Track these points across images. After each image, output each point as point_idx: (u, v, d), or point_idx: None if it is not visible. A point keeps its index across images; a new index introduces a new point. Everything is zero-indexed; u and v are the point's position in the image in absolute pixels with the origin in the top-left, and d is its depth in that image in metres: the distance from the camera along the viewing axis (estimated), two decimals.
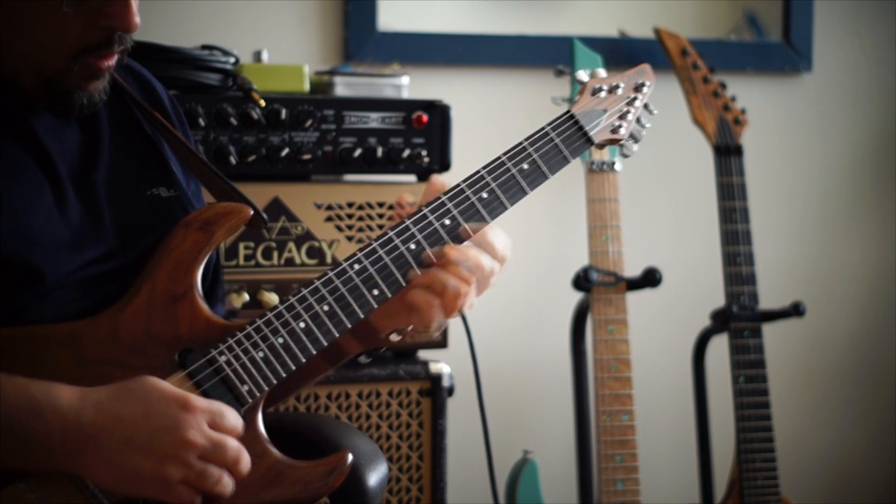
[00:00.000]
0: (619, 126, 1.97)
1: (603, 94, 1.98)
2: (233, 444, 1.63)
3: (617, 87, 1.99)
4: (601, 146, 1.97)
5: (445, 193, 1.85)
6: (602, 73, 2.01)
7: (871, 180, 3.73)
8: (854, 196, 3.73)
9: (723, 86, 3.32)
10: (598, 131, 1.95)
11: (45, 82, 1.70)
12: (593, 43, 3.28)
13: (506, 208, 1.88)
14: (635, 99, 2.00)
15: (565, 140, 1.92)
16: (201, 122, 2.61)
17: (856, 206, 3.73)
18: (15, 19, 1.66)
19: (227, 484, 1.63)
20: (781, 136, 3.65)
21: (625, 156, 1.99)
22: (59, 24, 1.66)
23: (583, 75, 2.00)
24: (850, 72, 3.69)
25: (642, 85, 2.01)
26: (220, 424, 1.63)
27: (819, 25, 3.61)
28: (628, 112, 1.99)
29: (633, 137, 2.00)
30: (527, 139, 1.91)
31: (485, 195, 1.87)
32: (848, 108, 3.70)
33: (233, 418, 1.65)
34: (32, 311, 1.68)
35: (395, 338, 1.89)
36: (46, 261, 1.68)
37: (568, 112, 1.94)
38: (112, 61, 1.71)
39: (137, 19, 1.68)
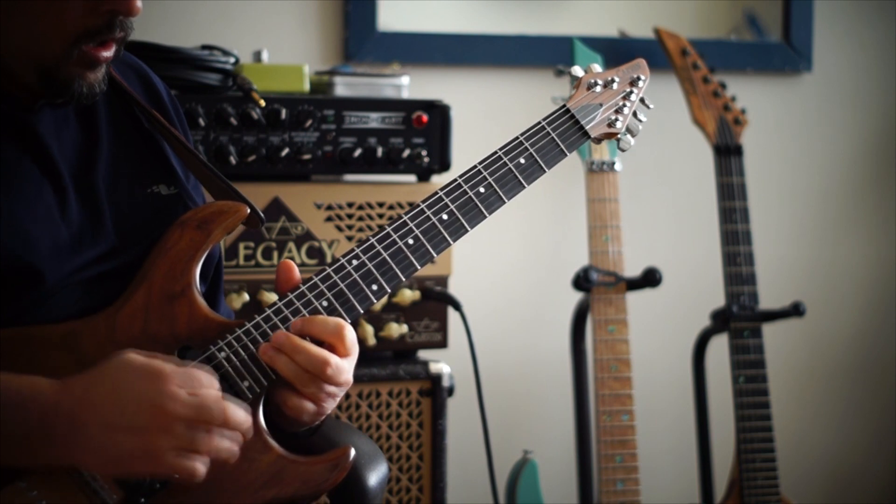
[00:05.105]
0: (616, 120, 1.98)
1: (598, 88, 1.98)
2: (213, 401, 1.59)
3: (612, 81, 2.00)
4: (598, 140, 1.98)
5: (442, 189, 1.85)
6: (597, 67, 2.02)
7: (871, 180, 3.73)
8: (854, 196, 3.73)
9: (723, 86, 3.32)
10: (594, 125, 1.96)
11: (44, 72, 1.69)
12: (593, 43, 3.29)
13: (503, 202, 1.88)
14: (631, 93, 2.00)
15: (561, 134, 1.93)
16: (201, 122, 2.62)
17: (856, 206, 3.73)
18: (14, 11, 1.66)
19: (226, 445, 1.61)
20: (781, 136, 3.65)
21: (622, 150, 2.00)
22: (60, 11, 1.65)
23: (578, 70, 2.01)
24: (850, 72, 3.69)
25: (638, 79, 2.02)
26: (195, 388, 1.60)
27: (819, 25, 3.62)
28: (624, 106, 1.99)
29: (630, 131, 2.00)
30: (522, 134, 1.91)
31: (482, 190, 1.87)
32: (848, 108, 3.70)
33: (206, 378, 1.62)
34: (34, 313, 1.68)
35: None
36: (46, 262, 1.68)
37: (563, 106, 1.95)
38: (110, 51, 1.71)
39: (139, 3, 1.68)
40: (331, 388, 1.74)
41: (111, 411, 1.57)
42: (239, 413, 1.62)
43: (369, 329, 2.74)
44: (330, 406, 1.77)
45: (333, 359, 1.72)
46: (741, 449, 3.22)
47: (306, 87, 2.79)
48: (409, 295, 2.78)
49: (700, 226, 3.51)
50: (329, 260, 2.71)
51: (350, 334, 1.75)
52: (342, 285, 1.79)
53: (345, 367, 1.75)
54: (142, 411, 1.57)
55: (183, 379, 1.60)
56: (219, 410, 1.60)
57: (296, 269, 1.79)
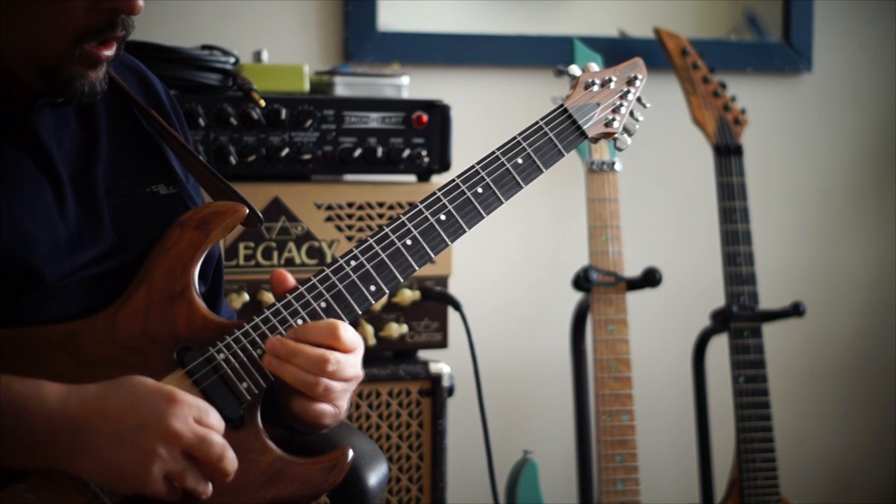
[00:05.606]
0: (613, 119, 1.98)
1: (595, 87, 1.98)
2: (218, 439, 1.62)
3: (609, 80, 2.00)
4: (595, 140, 1.98)
5: (440, 189, 1.86)
6: (595, 66, 2.02)
7: (871, 180, 3.73)
8: (854, 196, 3.73)
9: (723, 86, 3.32)
10: (591, 125, 1.96)
11: (44, 72, 1.69)
12: (593, 43, 3.29)
13: (501, 203, 1.88)
14: (628, 92, 2.01)
15: (559, 134, 1.93)
16: (201, 122, 2.62)
17: (856, 206, 3.73)
18: (14, 11, 1.66)
19: (203, 488, 1.63)
20: (781, 136, 3.65)
21: (618, 149, 2.00)
22: (61, 10, 1.65)
23: (575, 69, 2.01)
24: (850, 72, 3.69)
25: (635, 78, 2.02)
26: (205, 421, 1.62)
27: (819, 25, 3.62)
28: (621, 105, 2.00)
29: (627, 131, 2.00)
30: (520, 133, 1.92)
31: (479, 190, 1.87)
32: (848, 108, 3.70)
33: (216, 418, 1.64)
34: (34, 313, 1.68)
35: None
36: (45, 262, 1.68)
37: (561, 106, 1.95)
38: (111, 50, 1.71)
39: (141, 2, 1.68)
40: (339, 385, 1.74)
41: (121, 424, 1.59)
42: (234, 461, 1.64)
43: (369, 329, 2.74)
44: (345, 403, 1.78)
45: (332, 355, 1.72)
46: (741, 449, 3.22)
47: (306, 87, 2.79)
48: (409, 295, 2.78)
49: (700, 226, 3.51)
50: (329, 260, 2.71)
51: (346, 331, 1.74)
52: (340, 286, 1.79)
53: (349, 360, 1.74)
54: (150, 428, 1.59)
55: (195, 406, 1.62)
56: (219, 447, 1.62)
57: (289, 277, 1.78)
